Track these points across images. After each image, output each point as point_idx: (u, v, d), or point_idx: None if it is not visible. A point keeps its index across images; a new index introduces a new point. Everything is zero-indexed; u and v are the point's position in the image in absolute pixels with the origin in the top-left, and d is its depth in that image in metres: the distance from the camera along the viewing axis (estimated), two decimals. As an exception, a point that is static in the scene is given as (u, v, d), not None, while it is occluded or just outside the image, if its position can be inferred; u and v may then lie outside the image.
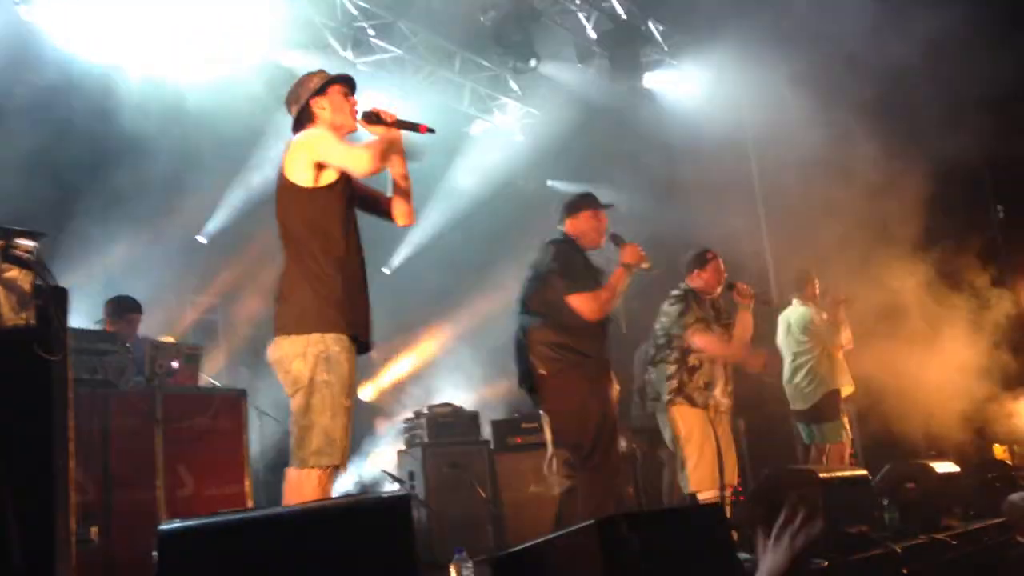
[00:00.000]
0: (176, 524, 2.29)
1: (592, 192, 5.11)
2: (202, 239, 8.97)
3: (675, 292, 5.41)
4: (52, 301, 2.41)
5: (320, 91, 3.62)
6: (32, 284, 2.32)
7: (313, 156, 3.40)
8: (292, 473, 3.24)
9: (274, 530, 2.29)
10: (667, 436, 5.19)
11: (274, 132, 7.94)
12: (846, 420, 6.69)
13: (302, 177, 3.41)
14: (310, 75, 3.69)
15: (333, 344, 3.28)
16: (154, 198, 7.64)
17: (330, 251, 3.37)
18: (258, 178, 8.57)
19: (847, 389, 6.76)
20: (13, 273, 2.38)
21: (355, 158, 3.39)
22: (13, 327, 2.38)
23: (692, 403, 5.09)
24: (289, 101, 3.69)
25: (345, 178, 3.47)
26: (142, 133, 7.26)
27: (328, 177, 3.43)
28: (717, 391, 5.19)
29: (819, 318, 6.78)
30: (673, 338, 5.24)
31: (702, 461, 4.95)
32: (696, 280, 5.45)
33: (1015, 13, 7.17)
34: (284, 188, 3.46)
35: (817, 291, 6.88)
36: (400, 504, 2.32)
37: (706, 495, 4.85)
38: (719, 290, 5.46)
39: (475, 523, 7.24)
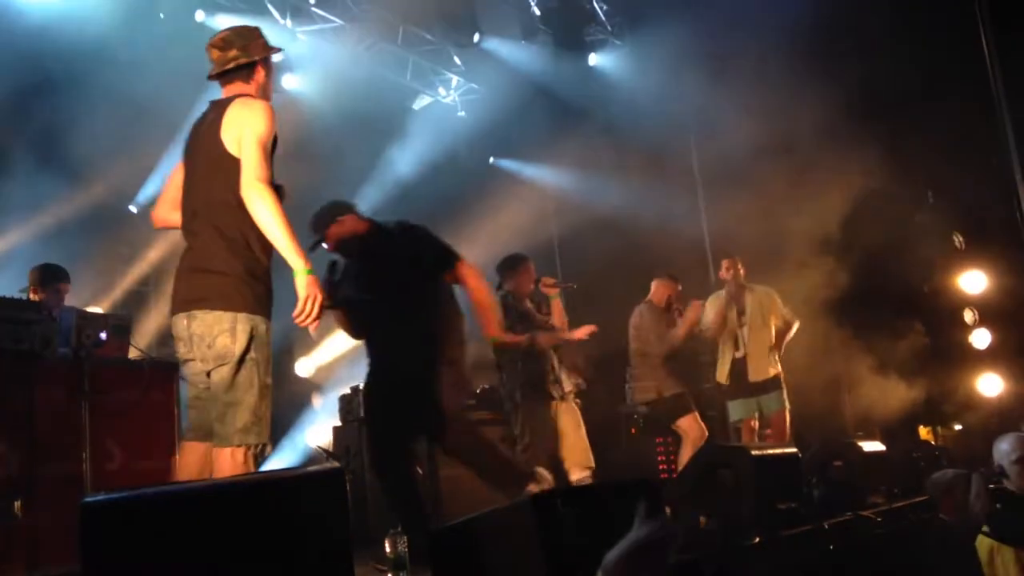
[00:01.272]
0: (100, 497, 2.22)
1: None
2: (133, 208, 8.74)
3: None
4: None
5: (269, 50, 3.47)
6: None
7: (250, 135, 3.19)
8: (215, 452, 3.16)
9: (203, 504, 2.24)
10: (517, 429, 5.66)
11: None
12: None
13: (235, 148, 3.22)
14: (256, 30, 3.47)
15: (260, 324, 3.22)
16: (84, 160, 7.42)
17: (258, 229, 3.19)
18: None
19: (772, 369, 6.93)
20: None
21: (261, 178, 3.16)
22: (-71, 292, 2.26)
23: (549, 396, 5.61)
24: (227, 47, 3.41)
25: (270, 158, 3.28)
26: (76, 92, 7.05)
27: None
28: (562, 379, 5.72)
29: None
30: None
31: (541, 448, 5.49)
32: (510, 283, 5.85)
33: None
34: (220, 156, 3.23)
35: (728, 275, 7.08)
36: (333, 478, 2.28)
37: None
38: (532, 288, 5.92)
39: (411, 499, 7.21)
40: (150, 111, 7.81)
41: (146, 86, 7.54)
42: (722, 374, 7.04)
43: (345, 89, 9.50)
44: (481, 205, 9.54)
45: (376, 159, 10.19)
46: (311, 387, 9.85)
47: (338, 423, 8.05)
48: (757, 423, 6.93)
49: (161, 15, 8.37)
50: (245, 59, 3.39)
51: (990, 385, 7.69)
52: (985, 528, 4.01)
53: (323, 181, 9.28)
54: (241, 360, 3.16)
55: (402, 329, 4.42)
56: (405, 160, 10.44)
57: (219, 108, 3.33)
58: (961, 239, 7.88)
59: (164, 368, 5.36)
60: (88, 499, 2.24)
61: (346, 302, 4.52)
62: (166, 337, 8.66)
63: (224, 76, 3.41)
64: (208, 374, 3.21)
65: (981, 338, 7.78)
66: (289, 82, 9.45)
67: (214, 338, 3.16)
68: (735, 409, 7.02)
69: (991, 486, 4.41)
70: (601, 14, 9.79)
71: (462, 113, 10.72)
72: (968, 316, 7.85)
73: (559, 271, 11.09)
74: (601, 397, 9.25)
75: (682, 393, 6.66)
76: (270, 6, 8.52)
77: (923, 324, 7.90)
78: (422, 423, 4.46)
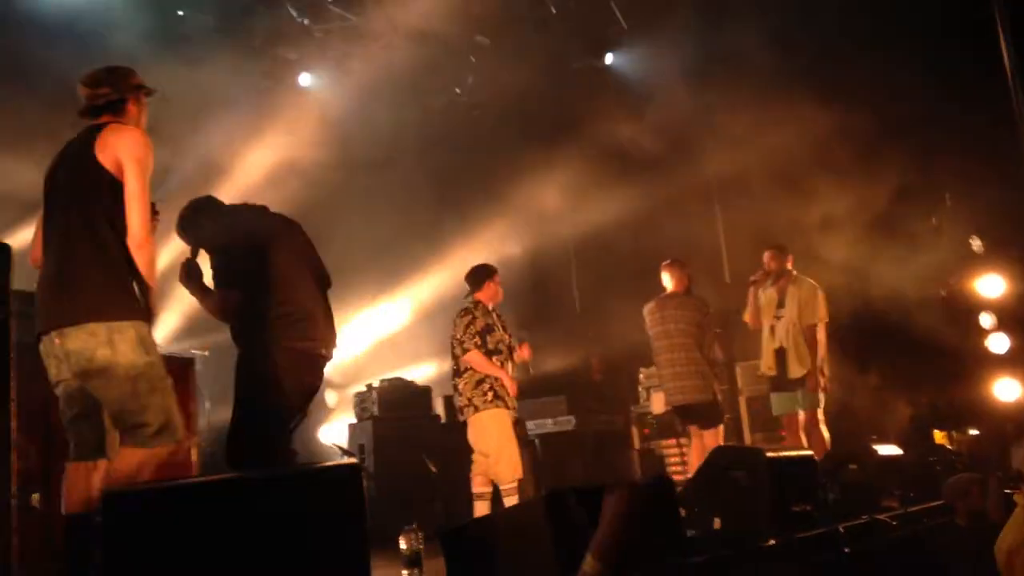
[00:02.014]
0: (122, 487, 2.24)
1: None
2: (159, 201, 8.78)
3: (464, 306, 6.05)
4: (-7, 259, 2.31)
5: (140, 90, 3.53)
6: (-30, 243, 2.22)
7: (129, 160, 3.25)
8: (130, 453, 3.10)
9: (222, 495, 2.25)
10: (476, 438, 5.87)
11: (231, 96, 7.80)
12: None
13: (114, 167, 3.25)
14: (129, 70, 3.56)
15: (141, 327, 3.21)
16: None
17: (126, 242, 3.24)
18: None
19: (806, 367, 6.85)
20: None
21: (140, 213, 3.24)
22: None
23: (505, 406, 5.79)
24: (97, 84, 3.46)
25: None
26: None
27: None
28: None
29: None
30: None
31: (512, 456, 5.75)
32: (482, 293, 6.04)
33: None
34: (93, 172, 3.26)
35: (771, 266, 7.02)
36: (352, 473, 2.30)
37: (510, 485, 5.70)
38: (499, 300, 6.15)
39: (424, 498, 7.24)
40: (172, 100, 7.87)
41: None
42: (765, 364, 6.94)
43: (361, 87, 9.52)
44: (497, 204, 9.57)
45: (388, 157, 10.20)
46: (325, 383, 9.88)
47: (353, 420, 8.11)
48: (802, 418, 6.79)
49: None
50: (116, 95, 3.44)
51: (1007, 390, 7.63)
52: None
53: (334, 180, 9.36)
54: (135, 366, 3.14)
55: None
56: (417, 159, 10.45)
57: (90, 133, 3.36)
58: (979, 243, 7.82)
59: (180, 363, 5.39)
60: (107, 490, 2.26)
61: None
62: (181, 333, 8.74)
63: (93, 111, 3.44)
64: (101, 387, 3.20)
65: (999, 343, 7.72)
66: (305, 80, 9.48)
67: (93, 352, 3.13)
68: (776, 403, 6.94)
69: (1007, 491, 4.39)
70: (618, 12, 9.76)
71: (476, 112, 10.72)
72: (986, 320, 7.79)
73: (573, 272, 11.15)
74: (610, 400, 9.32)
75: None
76: (288, 5, 8.55)
77: (940, 328, 7.85)
78: None
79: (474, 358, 5.80)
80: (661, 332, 6.81)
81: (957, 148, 7.27)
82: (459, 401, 5.92)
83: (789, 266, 6.97)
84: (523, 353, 6.20)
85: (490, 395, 5.77)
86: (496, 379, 5.80)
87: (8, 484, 2.48)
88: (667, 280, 6.91)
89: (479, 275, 6.12)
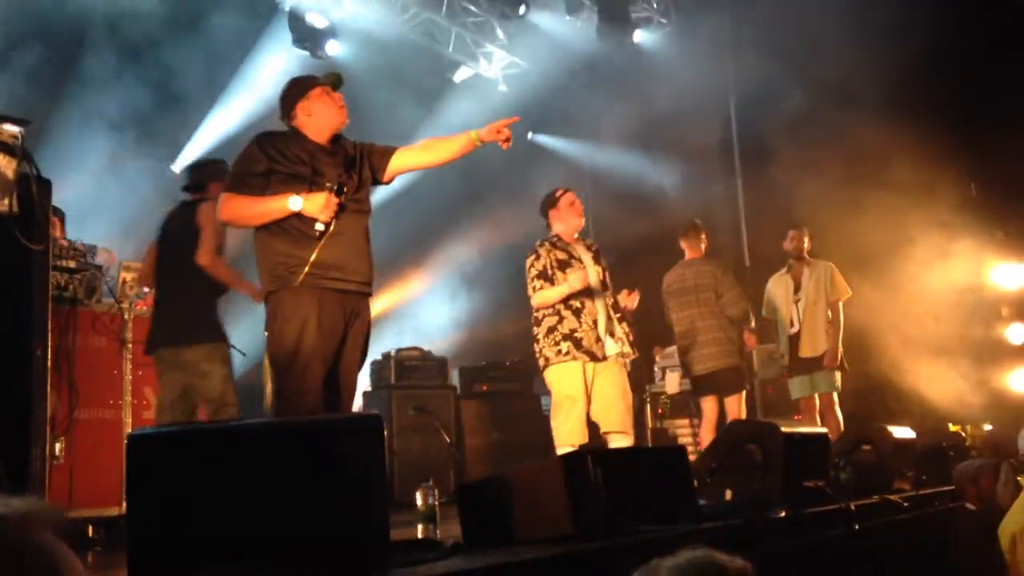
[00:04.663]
0: (147, 430, 2.29)
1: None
2: (175, 168, 8.85)
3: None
4: (36, 191, 2.36)
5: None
6: (15, 171, 2.27)
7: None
8: None
9: (245, 441, 2.30)
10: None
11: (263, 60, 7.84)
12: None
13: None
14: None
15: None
16: (131, 119, 7.54)
17: None
18: (240, 106, 8.48)
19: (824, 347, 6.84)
20: (-4, 158, 2.30)
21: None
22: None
23: (585, 358, 5.01)
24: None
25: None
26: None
27: None
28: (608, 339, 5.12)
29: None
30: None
31: (568, 419, 5.00)
32: (555, 225, 5.33)
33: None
34: None
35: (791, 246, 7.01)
36: (372, 423, 2.33)
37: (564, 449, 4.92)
38: (582, 223, 5.38)
39: (437, 467, 7.27)
40: (193, 71, 7.94)
41: (187, 49, 7.65)
42: (781, 351, 6.99)
43: (386, 58, 9.53)
44: (517, 179, 9.56)
45: (414, 130, 10.21)
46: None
47: (368, 388, 8.17)
48: (819, 401, 6.79)
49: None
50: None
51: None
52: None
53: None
54: None
55: None
56: (443, 132, 10.43)
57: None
58: (1003, 232, 7.78)
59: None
60: (134, 432, 2.31)
61: None
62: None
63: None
64: None
65: (1017, 333, 7.69)
66: (332, 48, 9.49)
67: None
68: (794, 387, 6.96)
69: (1019, 478, 4.40)
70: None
71: (503, 87, 10.71)
72: (1004, 310, 7.76)
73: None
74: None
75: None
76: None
77: (958, 318, 7.81)
78: None
79: (538, 300, 5.11)
80: (682, 300, 6.73)
81: (983, 138, 7.22)
82: (539, 359, 5.21)
83: (807, 246, 6.98)
84: (628, 300, 5.39)
85: (564, 346, 5.00)
86: (575, 327, 5.01)
87: (44, 411, 2.53)
88: (685, 246, 6.89)
89: (542, 207, 5.42)
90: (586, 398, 5.03)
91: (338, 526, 2.25)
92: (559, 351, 5.02)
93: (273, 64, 8.98)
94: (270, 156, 3.68)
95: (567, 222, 5.30)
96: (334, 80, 3.94)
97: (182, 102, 8.18)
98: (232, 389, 4.76)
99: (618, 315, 5.24)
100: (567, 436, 4.97)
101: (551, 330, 5.06)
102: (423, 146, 4.31)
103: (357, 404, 8.14)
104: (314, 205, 3.56)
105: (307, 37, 9.22)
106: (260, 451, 2.30)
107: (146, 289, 5.27)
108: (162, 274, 4.91)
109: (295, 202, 3.56)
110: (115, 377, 4.88)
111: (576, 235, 5.35)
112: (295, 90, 3.88)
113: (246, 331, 6.18)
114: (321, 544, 2.16)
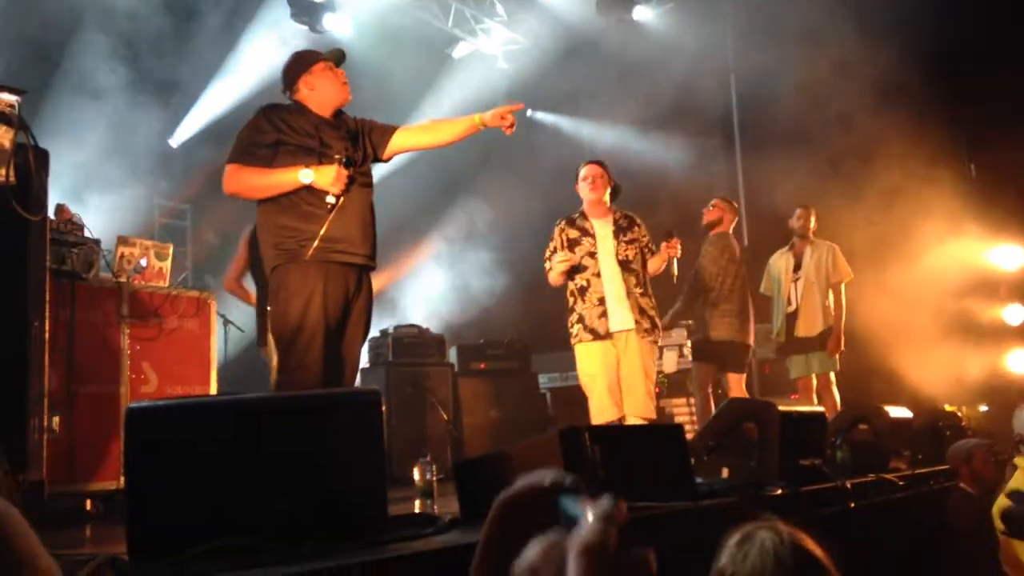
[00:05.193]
0: (146, 403, 2.29)
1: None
2: (173, 143, 8.83)
3: None
4: (33, 161, 2.34)
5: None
6: (12, 141, 2.25)
7: None
8: None
9: (243, 414, 2.30)
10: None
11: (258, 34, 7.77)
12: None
13: None
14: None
15: None
16: (127, 93, 7.50)
17: None
18: (237, 81, 8.43)
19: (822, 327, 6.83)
20: (-8, 127, 2.27)
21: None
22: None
23: (596, 337, 5.05)
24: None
25: None
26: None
27: None
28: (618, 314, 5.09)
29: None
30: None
31: (598, 396, 5.03)
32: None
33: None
34: None
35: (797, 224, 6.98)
36: (372, 397, 2.34)
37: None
38: (605, 196, 5.34)
39: (435, 444, 7.31)
40: (191, 51, 7.89)
41: (184, 24, 7.60)
42: (778, 329, 6.94)
43: (385, 33, 9.47)
44: (517, 157, 9.53)
45: (413, 106, 10.18)
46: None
47: (366, 365, 8.17)
48: (816, 381, 6.77)
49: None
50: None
51: (1021, 362, 7.63)
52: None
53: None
54: None
55: None
56: (442, 109, 10.41)
57: None
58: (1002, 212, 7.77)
59: (201, 297, 5.47)
60: (133, 406, 2.31)
61: None
62: (200, 269, 8.81)
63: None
64: None
65: (1014, 314, 7.71)
66: (330, 22, 9.42)
67: None
68: (791, 366, 6.93)
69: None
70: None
71: (503, 64, 10.65)
72: (1002, 291, 7.77)
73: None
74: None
75: None
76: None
77: (956, 299, 7.82)
78: None
79: (550, 279, 5.17)
80: (694, 271, 6.68)
81: (984, 119, 7.20)
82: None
83: (813, 225, 6.94)
84: (670, 249, 5.17)
85: (576, 328, 5.12)
86: (581, 308, 5.09)
87: (41, 383, 2.53)
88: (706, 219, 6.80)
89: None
90: (607, 374, 5.03)
91: (337, 499, 2.26)
92: (573, 333, 5.16)
93: (269, 39, 8.92)
94: (278, 128, 3.64)
95: (585, 197, 5.37)
96: (337, 56, 3.92)
97: (178, 77, 8.13)
98: None
99: (639, 290, 5.20)
100: (596, 413, 5.03)
101: (570, 311, 5.21)
102: (425, 127, 4.30)
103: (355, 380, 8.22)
104: (325, 178, 3.54)
105: (305, 11, 9.16)
106: (259, 425, 2.31)
107: (143, 262, 5.25)
108: None
109: (306, 175, 3.54)
110: (114, 352, 4.87)
111: (610, 206, 5.34)
112: (298, 63, 3.86)
113: (246, 308, 6.18)
114: (320, 517, 2.16)
